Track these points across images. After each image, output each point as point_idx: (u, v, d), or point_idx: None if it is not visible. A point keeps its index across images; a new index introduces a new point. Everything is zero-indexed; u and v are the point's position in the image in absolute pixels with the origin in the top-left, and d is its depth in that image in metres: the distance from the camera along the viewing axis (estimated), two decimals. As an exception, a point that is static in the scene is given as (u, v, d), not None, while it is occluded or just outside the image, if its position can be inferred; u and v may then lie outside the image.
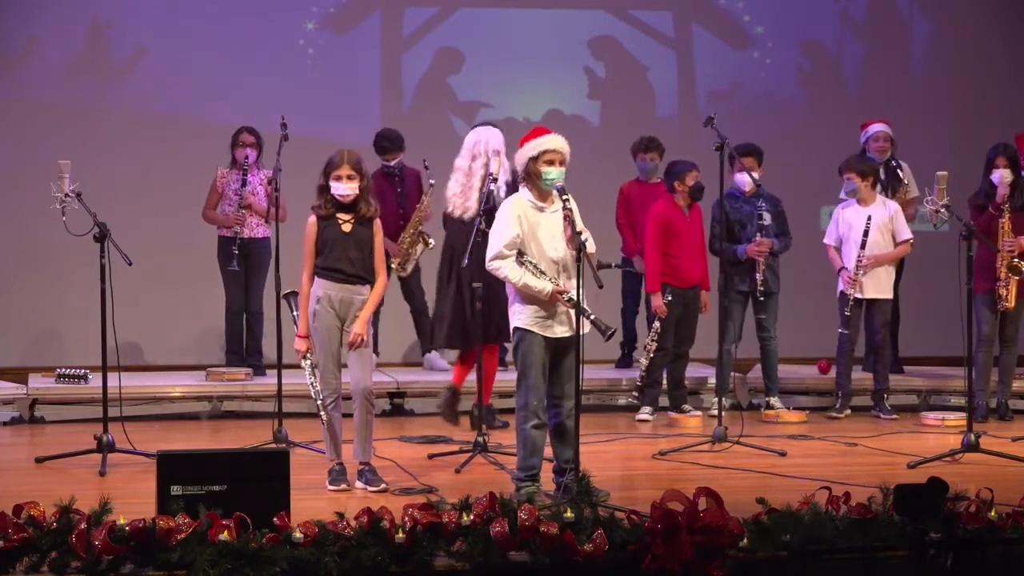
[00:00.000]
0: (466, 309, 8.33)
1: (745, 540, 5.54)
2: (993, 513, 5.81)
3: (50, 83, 10.88)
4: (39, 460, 7.60)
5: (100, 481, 7.10)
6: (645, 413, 9.32)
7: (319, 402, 6.92)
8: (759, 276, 9.23)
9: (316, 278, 6.95)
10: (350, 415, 6.99)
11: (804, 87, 11.96)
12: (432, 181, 9.69)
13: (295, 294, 7.32)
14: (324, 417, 6.92)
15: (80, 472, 7.34)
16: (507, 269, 6.55)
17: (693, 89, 11.74)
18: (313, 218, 6.97)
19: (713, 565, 5.42)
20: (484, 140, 8.41)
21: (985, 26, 12.04)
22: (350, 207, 6.94)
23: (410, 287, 10.04)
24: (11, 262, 10.77)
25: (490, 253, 6.61)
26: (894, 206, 9.51)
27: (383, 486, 6.85)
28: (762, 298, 9.26)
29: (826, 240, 9.55)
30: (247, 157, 9.63)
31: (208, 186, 9.83)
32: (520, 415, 6.65)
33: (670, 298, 9.14)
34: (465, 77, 11.49)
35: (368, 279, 6.97)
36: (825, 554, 5.63)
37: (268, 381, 9.26)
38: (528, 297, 6.58)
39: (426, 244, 9.82)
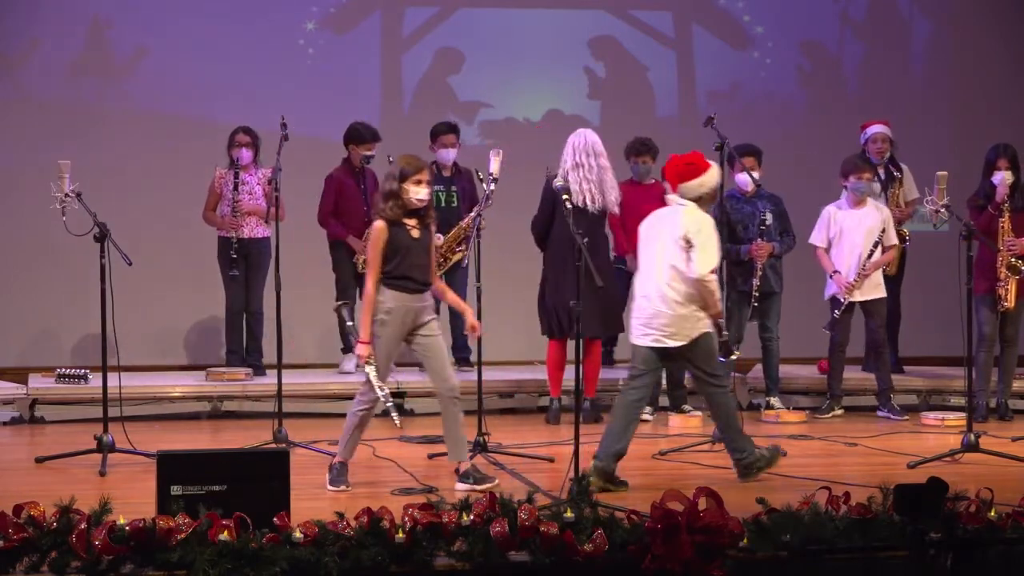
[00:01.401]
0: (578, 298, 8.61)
1: (745, 540, 5.54)
2: (993, 513, 5.81)
3: (50, 83, 10.88)
4: (39, 460, 7.61)
5: (100, 481, 7.10)
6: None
7: (389, 404, 6.87)
8: (755, 281, 9.21)
9: (386, 288, 6.85)
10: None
11: (804, 87, 11.96)
12: None
13: (347, 305, 7.29)
14: (397, 420, 6.97)
15: (80, 472, 7.34)
16: (716, 284, 7.07)
17: (693, 89, 11.75)
18: (382, 223, 6.84)
19: (713, 565, 5.42)
20: (593, 141, 8.78)
21: (985, 26, 12.04)
22: (416, 212, 6.88)
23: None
24: (11, 262, 10.77)
25: (711, 265, 6.95)
26: (886, 211, 9.47)
27: (495, 482, 6.88)
28: (756, 303, 9.23)
29: (815, 242, 9.48)
30: (238, 158, 9.64)
31: (208, 187, 9.84)
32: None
33: None
34: (465, 77, 11.49)
35: (430, 284, 6.97)
36: (825, 554, 5.63)
37: (268, 381, 9.26)
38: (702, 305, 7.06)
39: None
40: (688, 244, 6.96)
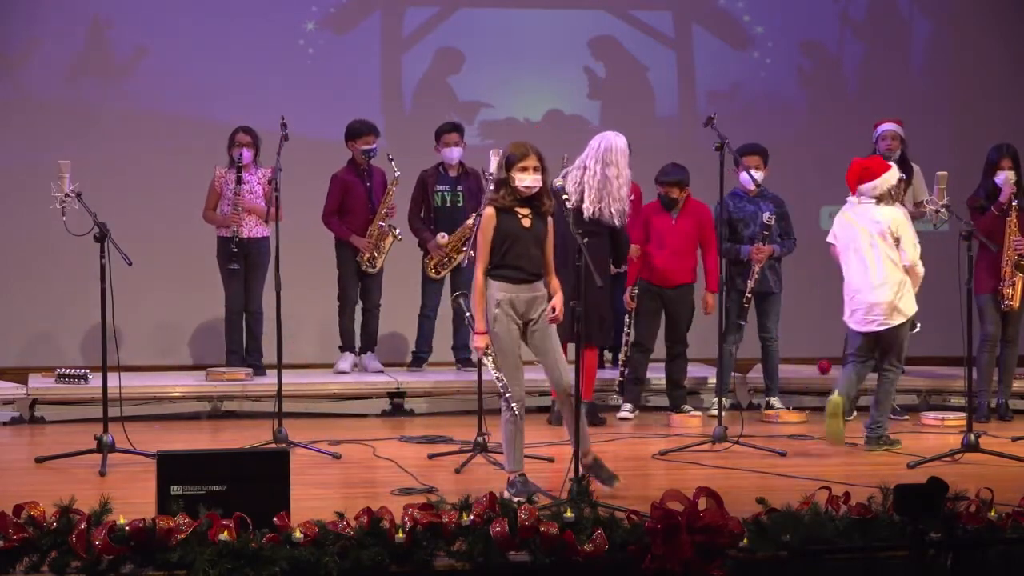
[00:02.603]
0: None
1: (745, 540, 5.54)
2: (993, 513, 5.82)
3: (50, 83, 10.88)
4: (39, 460, 7.60)
5: (100, 481, 7.10)
6: (626, 411, 9.33)
7: (508, 395, 6.66)
8: (750, 282, 9.17)
9: (493, 280, 6.65)
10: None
11: (804, 87, 11.95)
12: (398, 173, 9.75)
13: (464, 295, 7.14)
14: (517, 410, 6.63)
15: (80, 472, 7.34)
16: (922, 267, 8.18)
17: (693, 89, 11.74)
18: (491, 210, 6.65)
19: (713, 565, 5.42)
20: (608, 148, 8.62)
21: (985, 26, 12.04)
22: (529, 201, 6.67)
23: (369, 285, 10.02)
24: (11, 262, 10.77)
25: (918, 251, 8.09)
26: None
27: (616, 483, 6.72)
28: (746, 304, 9.18)
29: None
30: (240, 157, 9.64)
31: (208, 186, 9.84)
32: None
33: (637, 291, 9.18)
34: (465, 77, 11.49)
35: (542, 276, 6.72)
36: (825, 554, 5.62)
37: (268, 381, 9.26)
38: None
39: (395, 237, 9.85)
40: (896, 239, 8.08)
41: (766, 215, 9.24)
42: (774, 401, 9.52)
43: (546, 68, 11.50)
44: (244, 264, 9.70)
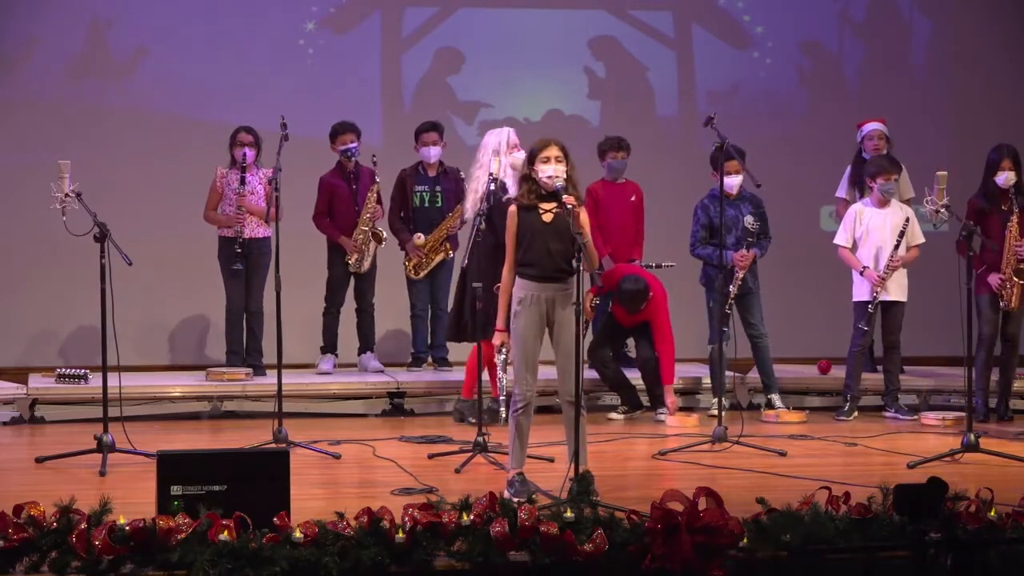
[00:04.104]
0: (463, 307, 8.40)
1: (745, 540, 5.54)
2: (993, 513, 5.81)
3: (50, 83, 10.88)
4: (39, 460, 7.60)
5: (100, 481, 7.10)
6: (616, 412, 9.37)
7: (501, 398, 6.61)
8: (733, 288, 9.09)
9: (518, 277, 6.57)
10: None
11: (804, 87, 11.95)
12: (379, 177, 9.76)
13: (481, 287, 7.11)
14: (503, 414, 6.60)
15: (80, 472, 7.34)
16: None
17: (693, 89, 11.74)
18: (513, 208, 6.61)
19: (713, 565, 5.41)
20: (485, 143, 8.53)
21: (985, 26, 12.03)
22: (554, 195, 6.52)
23: (362, 285, 10.04)
24: (11, 262, 10.77)
25: None
26: (908, 209, 9.44)
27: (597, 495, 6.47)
28: (728, 311, 9.10)
29: (839, 241, 9.37)
30: (245, 156, 9.64)
31: (208, 186, 9.84)
32: None
33: (597, 301, 9.17)
34: (465, 77, 11.49)
35: (572, 271, 6.44)
36: (825, 554, 5.62)
37: (268, 381, 9.26)
38: None
39: (379, 240, 9.86)
40: None
41: (748, 219, 9.19)
42: (774, 398, 9.49)
43: (546, 68, 11.50)
44: (245, 264, 9.69)
